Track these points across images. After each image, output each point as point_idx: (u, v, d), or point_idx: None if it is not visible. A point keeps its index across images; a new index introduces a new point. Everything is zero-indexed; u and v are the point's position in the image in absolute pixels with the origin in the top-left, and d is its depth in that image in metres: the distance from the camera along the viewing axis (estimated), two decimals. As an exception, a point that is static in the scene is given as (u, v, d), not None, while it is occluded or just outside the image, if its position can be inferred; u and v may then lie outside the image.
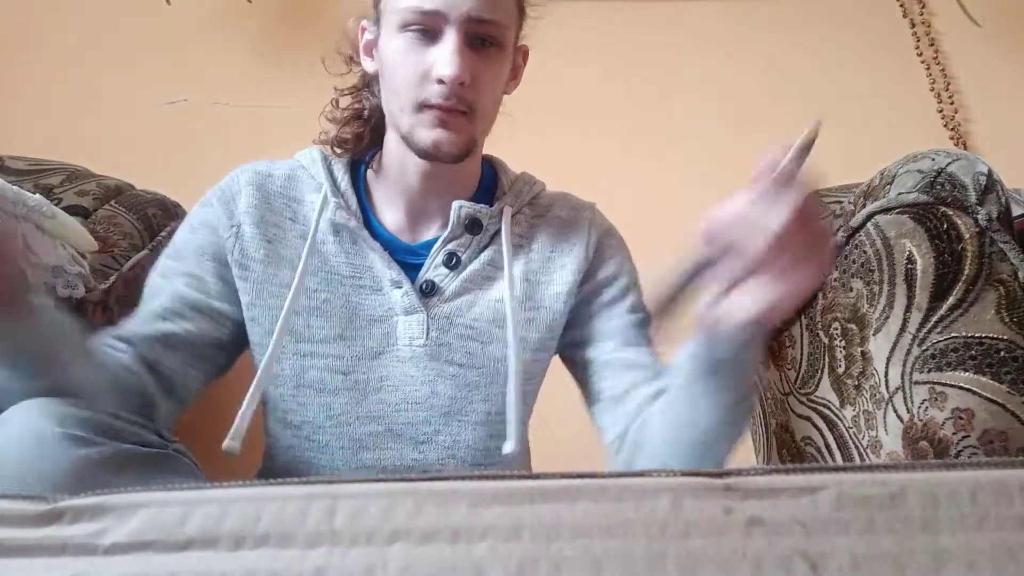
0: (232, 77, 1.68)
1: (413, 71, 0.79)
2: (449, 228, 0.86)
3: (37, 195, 1.03)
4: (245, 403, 0.78)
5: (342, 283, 0.85)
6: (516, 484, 0.35)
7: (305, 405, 0.84)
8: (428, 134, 0.80)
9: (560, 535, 0.32)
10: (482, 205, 0.88)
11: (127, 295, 1.23)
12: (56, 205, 1.11)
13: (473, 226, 0.87)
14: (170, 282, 0.85)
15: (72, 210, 1.25)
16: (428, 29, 0.78)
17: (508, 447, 0.82)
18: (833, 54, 1.73)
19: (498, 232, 0.88)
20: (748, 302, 0.62)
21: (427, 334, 0.84)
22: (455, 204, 0.86)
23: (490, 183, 0.93)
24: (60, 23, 1.69)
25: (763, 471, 0.35)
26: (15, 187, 0.98)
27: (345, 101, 0.91)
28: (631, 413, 0.83)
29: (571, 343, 0.92)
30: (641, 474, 0.35)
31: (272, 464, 0.88)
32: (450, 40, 0.77)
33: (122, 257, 1.24)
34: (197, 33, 1.69)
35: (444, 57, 0.77)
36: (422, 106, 0.79)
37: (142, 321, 0.83)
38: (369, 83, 0.90)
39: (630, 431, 0.82)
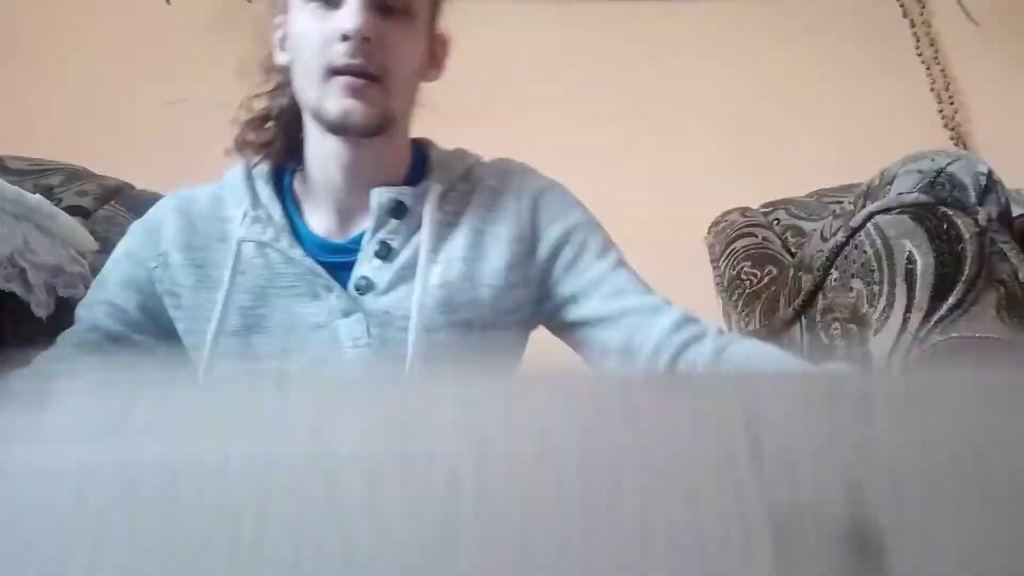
0: (232, 77, 1.68)
1: (318, 36, 0.76)
2: (373, 217, 0.82)
3: (37, 195, 1.03)
4: None
5: (279, 295, 0.82)
6: (480, 387, 0.34)
7: None
8: (337, 104, 0.76)
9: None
10: (404, 187, 0.83)
11: (127, 295, 1.23)
12: (56, 205, 1.11)
13: (399, 211, 0.82)
14: (91, 311, 0.85)
15: (72, 210, 1.25)
16: None
17: None
18: (833, 54, 1.73)
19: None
20: None
21: (368, 332, 0.81)
22: (374, 192, 0.81)
23: (420, 165, 0.88)
24: (60, 23, 1.69)
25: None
26: (15, 187, 0.98)
27: (257, 104, 0.91)
28: (662, 358, 0.80)
29: (551, 312, 0.87)
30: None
31: None
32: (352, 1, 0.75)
33: (122, 257, 1.24)
34: (197, 33, 1.69)
35: (347, 14, 0.74)
36: (329, 72, 0.76)
37: (58, 358, 0.82)
38: (282, 85, 0.87)
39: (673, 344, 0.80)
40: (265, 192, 0.86)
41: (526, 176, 0.89)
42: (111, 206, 1.33)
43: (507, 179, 0.88)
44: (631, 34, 1.73)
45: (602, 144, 1.67)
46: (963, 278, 0.76)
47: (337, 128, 0.78)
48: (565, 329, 0.87)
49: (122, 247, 0.88)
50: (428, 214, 0.83)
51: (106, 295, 0.85)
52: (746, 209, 1.38)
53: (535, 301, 0.87)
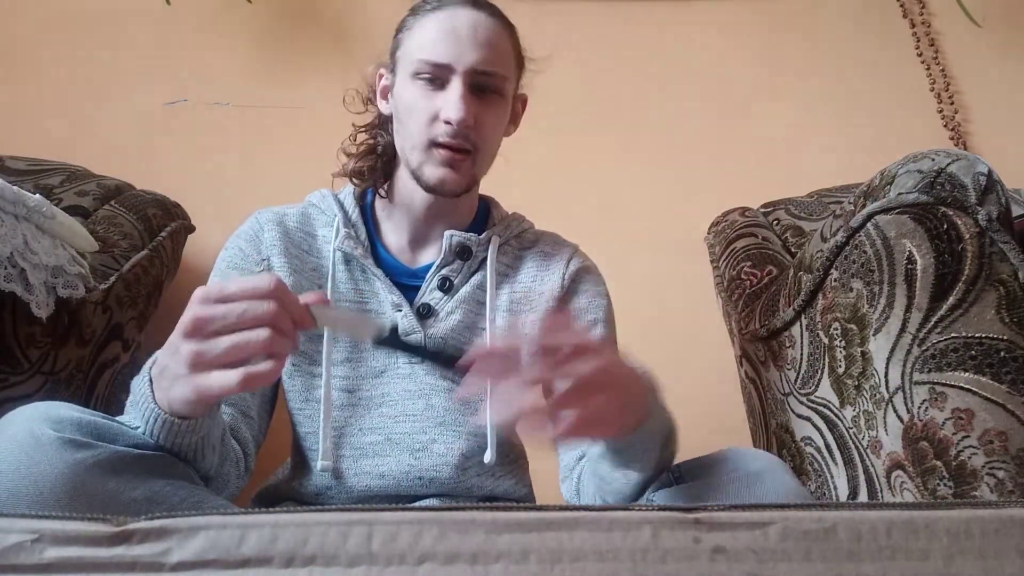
0: (232, 77, 1.68)
1: (424, 113, 0.87)
2: (442, 254, 0.93)
3: (37, 195, 1.03)
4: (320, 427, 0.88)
5: (349, 307, 0.91)
6: (525, 515, 0.42)
7: (311, 417, 0.90)
8: (435, 172, 0.88)
9: (561, 559, 0.40)
10: (471, 234, 0.95)
11: (127, 295, 1.22)
12: (56, 205, 1.11)
13: (463, 252, 0.94)
14: None
15: (72, 210, 1.25)
16: (437, 77, 0.87)
17: (487, 457, 0.89)
18: (833, 53, 1.73)
19: (486, 259, 0.96)
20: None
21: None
22: (446, 233, 0.93)
23: (484, 217, 1.00)
24: (60, 23, 1.69)
25: (725, 508, 0.43)
26: (15, 187, 0.98)
27: (361, 137, 0.99)
28: (577, 453, 0.91)
29: None
30: (627, 508, 0.43)
31: (291, 466, 0.94)
32: (456, 87, 0.86)
33: (122, 257, 1.24)
34: (197, 33, 1.69)
35: (452, 102, 0.85)
36: (431, 144, 0.87)
37: None
38: (383, 122, 0.98)
39: (576, 469, 0.90)
40: (355, 213, 0.96)
41: (577, 251, 1.02)
42: (111, 206, 1.33)
43: (561, 248, 1.01)
44: (631, 33, 1.73)
45: (602, 144, 1.67)
46: (963, 278, 0.76)
47: (431, 190, 0.90)
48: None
49: (222, 262, 0.94)
50: (491, 260, 0.95)
51: None
52: (746, 209, 1.38)
53: None
